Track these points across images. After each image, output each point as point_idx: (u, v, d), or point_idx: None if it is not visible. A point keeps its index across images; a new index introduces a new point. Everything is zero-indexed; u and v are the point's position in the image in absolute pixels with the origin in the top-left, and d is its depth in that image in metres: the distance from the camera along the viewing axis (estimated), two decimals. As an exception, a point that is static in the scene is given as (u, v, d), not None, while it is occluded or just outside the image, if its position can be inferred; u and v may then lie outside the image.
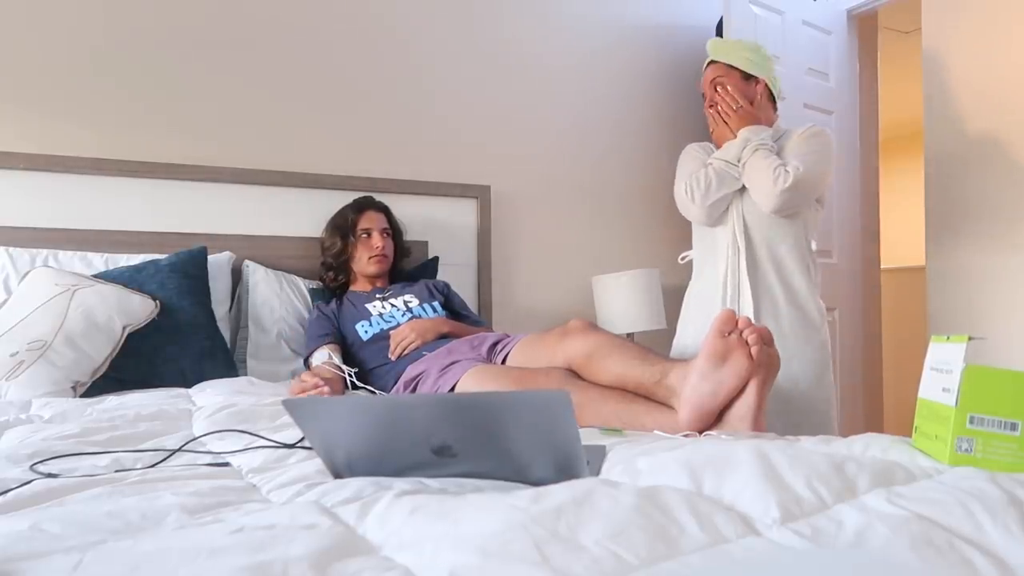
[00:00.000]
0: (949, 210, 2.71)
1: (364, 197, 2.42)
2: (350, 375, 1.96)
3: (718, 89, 2.09)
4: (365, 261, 2.31)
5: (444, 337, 2.06)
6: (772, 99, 2.13)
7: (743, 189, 2.03)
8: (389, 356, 2.04)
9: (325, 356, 2.05)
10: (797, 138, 2.03)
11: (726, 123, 2.07)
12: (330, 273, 2.35)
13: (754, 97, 2.08)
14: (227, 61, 2.49)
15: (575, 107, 3.09)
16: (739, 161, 2.02)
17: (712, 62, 2.13)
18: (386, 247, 2.32)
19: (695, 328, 2.10)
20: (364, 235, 2.32)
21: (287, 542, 0.61)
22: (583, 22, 3.11)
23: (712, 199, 2.02)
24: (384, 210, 2.41)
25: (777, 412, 1.93)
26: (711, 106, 2.11)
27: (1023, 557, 0.58)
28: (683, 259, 2.31)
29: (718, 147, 2.14)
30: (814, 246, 2.08)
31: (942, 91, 2.73)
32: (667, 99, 3.29)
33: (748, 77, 2.09)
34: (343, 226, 2.34)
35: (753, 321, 1.91)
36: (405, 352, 2.02)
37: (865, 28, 3.44)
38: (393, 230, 2.40)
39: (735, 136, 2.05)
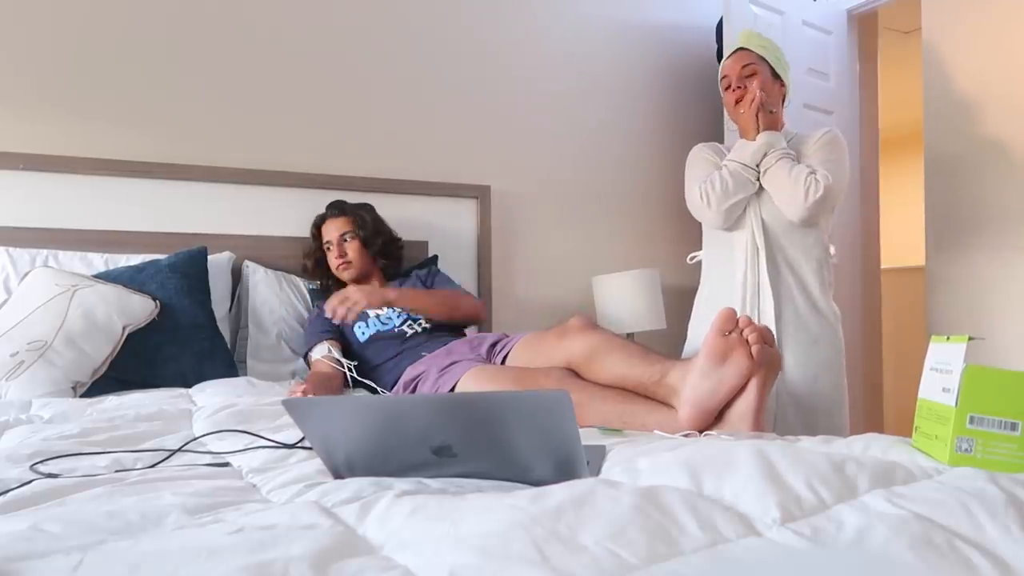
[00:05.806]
0: (949, 210, 2.71)
1: (328, 207, 2.37)
2: (350, 369, 1.97)
3: (750, 78, 1.99)
4: (337, 272, 2.32)
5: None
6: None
7: (759, 192, 1.98)
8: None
9: (325, 350, 2.05)
10: (815, 144, 1.98)
11: (753, 118, 1.97)
12: (327, 282, 2.38)
13: (779, 101, 2.03)
14: (228, 61, 2.48)
15: (575, 107, 3.09)
16: (757, 166, 1.96)
17: (742, 49, 2.04)
18: (348, 253, 2.28)
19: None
20: (327, 247, 2.33)
21: (287, 542, 0.61)
22: (583, 22, 3.11)
23: (729, 203, 1.96)
24: (345, 212, 2.33)
25: (796, 413, 1.92)
26: (736, 88, 2.01)
27: (1023, 557, 0.58)
28: (692, 259, 2.28)
29: (737, 126, 2.07)
30: (832, 250, 2.03)
31: (942, 91, 2.73)
32: (667, 98, 3.29)
33: (775, 77, 2.03)
34: (310, 244, 2.37)
35: (774, 322, 1.93)
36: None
37: (865, 28, 3.44)
38: (361, 228, 2.32)
39: (751, 136, 1.98)
